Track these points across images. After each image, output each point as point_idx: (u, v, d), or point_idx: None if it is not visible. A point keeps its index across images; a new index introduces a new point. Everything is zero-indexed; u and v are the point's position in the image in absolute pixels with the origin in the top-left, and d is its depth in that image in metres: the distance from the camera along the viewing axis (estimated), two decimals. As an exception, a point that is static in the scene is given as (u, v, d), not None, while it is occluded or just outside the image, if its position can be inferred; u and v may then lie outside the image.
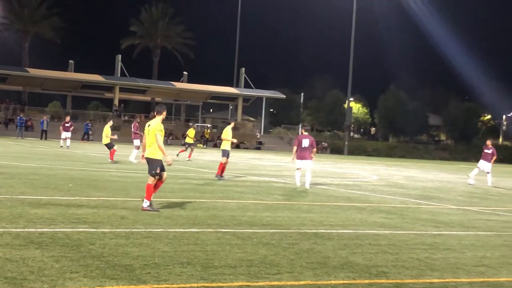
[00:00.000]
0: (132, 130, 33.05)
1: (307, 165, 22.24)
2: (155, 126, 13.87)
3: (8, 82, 76.41)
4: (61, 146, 45.28)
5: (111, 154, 29.28)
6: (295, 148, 22.35)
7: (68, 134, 46.15)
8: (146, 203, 13.42)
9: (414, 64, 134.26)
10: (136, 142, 31.44)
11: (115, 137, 31.26)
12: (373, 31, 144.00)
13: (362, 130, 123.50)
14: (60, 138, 47.26)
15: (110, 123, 30.87)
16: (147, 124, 14.20)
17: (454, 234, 13.08)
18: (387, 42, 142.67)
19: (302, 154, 22.17)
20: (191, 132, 38.03)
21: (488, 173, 31.01)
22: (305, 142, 22.12)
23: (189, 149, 37.27)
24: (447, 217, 16.04)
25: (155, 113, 14.33)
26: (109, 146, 29.58)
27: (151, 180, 13.68)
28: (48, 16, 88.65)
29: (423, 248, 10.94)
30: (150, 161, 13.88)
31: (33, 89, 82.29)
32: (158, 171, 13.71)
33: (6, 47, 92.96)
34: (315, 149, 22.61)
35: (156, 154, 13.83)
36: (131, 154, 30.95)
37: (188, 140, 37.84)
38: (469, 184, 29.92)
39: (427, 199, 20.86)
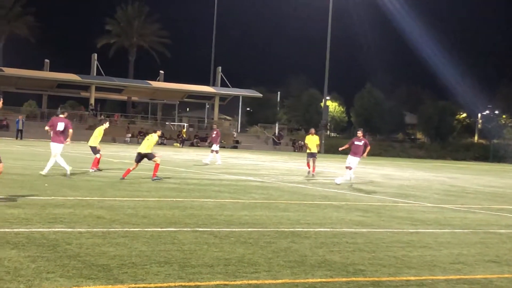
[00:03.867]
0: (213, 135, 36.66)
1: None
2: None
3: (-18, 81, 75.69)
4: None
5: (96, 162, 24.27)
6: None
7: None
8: None
9: (390, 63, 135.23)
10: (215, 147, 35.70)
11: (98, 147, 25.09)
12: (349, 30, 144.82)
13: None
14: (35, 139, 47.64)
15: (106, 125, 25.57)
16: None
17: (430, 231, 13.17)
18: (363, 41, 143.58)
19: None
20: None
21: (350, 168, 24.90)
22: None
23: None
24: (424, 215, 16.14)
25: None
26: (95, 151, 24.50)
27: None
28: (23, 14, 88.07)
29: (399, 246, 11.00)
30: None
31: (8, 88, 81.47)
32: None
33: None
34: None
35: None
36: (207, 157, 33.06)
37: None
38: (336, 183, 24.52)
39: (404, 197, 20.99)
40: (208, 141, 41.40)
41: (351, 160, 24.87)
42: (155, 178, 21.53)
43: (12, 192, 15.25)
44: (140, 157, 21.81)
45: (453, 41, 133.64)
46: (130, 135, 73.86)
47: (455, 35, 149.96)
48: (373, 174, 35.10)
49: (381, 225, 13.63)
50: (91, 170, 23.60)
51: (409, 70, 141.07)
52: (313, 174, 28.10)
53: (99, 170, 24.12)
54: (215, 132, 37.25)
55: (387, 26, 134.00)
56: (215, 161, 35.07)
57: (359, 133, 25.82)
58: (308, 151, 29.50)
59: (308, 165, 29.16)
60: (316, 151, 29.27)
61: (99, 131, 25.05)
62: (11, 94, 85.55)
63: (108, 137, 71.54)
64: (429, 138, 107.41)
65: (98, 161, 24.35)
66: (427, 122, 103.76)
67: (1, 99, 13.41)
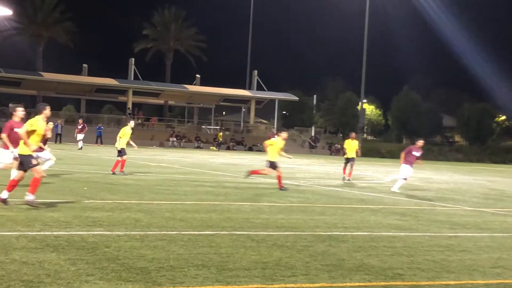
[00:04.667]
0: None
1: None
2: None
3: (22, 86, 76.76)
4: (79, 148, 48.60)
5: (122, 165, 23.85)
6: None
7: (81, 136, 50.64)
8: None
9: (427, 65, 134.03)
10: None
11: (135, 147, 26.28)
12: (386, 32, 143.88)
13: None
14: (76, 142, 50.49)
15: (131, 124, 25.05)
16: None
17: (469, 235, 13.02)
18: (400, 43, 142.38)
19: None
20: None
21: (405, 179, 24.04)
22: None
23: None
24: (462, 218, 15.97)
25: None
26: (120, 153, 23.94)
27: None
28: (62, 20, 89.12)
29: (438, 250, 10.90)
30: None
31: (47, 93, 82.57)
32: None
33: (20, 51, 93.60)
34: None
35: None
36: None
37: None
38: (393, 191, 23.09)
39: (442, 201, 20.78)
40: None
41: (408, 170, 23.43)
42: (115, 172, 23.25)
43: (52, 196, 15.45)
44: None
45: (492, 42, 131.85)
46: (174, 138, 74.39)
47: (494, 36, 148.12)
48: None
49: (419, 229, 13.52)
50: (115, 172, 23.62)
51: (447, 72, 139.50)
52: (349, 179, 27.54)
53: (122, 173, 23.55)
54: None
55: (424, 27, 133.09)
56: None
57: (420, 143, 23.84)
58: (346, 156, 28.69)
59: (344, 171, 28.26)
60: (354, 156, 28.50)
61: (122, 132, 24.38)
62: (50, 98, 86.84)
63: (156, 141, 72.44)
64: (468, 141, 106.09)
65: (122, 164, 23.86)
66: (466, 124, 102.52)
67: (48, 107, 14.04)
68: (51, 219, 11.73)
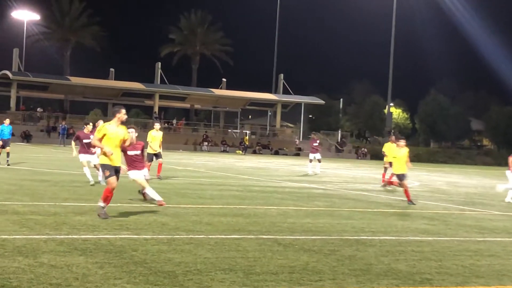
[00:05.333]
0: (314, 144, 34.09)
1: None
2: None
3: (49, 90, 77.54)
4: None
5: (159, 169, 23.87)
6: None
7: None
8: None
9: (455, 68, 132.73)
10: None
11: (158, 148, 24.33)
12: (413, 35, 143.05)
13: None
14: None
15: (156, 126, 24.45)
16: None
17: (498, 240, 12.86)
18: (428, 46, 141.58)
19: None
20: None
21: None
22: None
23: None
24: (491, 223, 15.79)
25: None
26: (147, 157, 21.94)
27: None
28: (89, 24, 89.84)
29: (467, 254, 10.78)
30: None
31: (75, 97, 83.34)
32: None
33: (47, 56, 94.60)
34: None
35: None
36: None
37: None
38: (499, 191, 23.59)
39: (471, 205, 20.58)
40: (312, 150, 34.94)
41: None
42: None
43: (80, 199, 15.55)
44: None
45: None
46: (207, 143, 74.62)
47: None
48: (439, 181, 34.55)
49: (447, 233, 13.39)
50: (157, 176, 23.22)
51: (475, 75, 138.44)
52: (384, 184, 26.23)
53: (158, 178, 23.29)
54: (318, 141, 34.91)
55: (452, 30, 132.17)
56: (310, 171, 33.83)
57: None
58: (386, 160, 27.22)
59: (383, 176, 26.89)
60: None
61: (149, 136, 23.66)
62: (78, 102, 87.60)
63: (190, 146, 72.86)
64: (496, 144, 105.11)
65: (159, 168, 23.81)
66: (494, 128, 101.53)
67: (123, 109, 13.14)
68: (79, 223, 11.80)
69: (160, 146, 23.74)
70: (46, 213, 12.94)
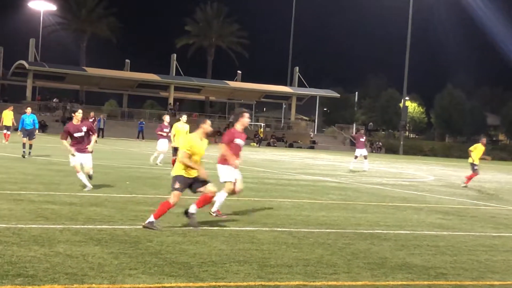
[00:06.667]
0: (361, 139, 32.41)
1: None
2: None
3: (66, 81, 77.90)
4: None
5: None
6: None
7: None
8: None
9: (472, 62, 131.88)
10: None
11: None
12: (430, 29, 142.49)
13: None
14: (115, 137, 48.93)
15: (183, 118, 24.03)
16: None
17: (514, 236, 12.80)
18: (444, 40, 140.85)
19: None
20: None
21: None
22: None
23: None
24: (507, 218, 15.72)
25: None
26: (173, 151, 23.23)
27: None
28: (105, 16, 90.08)
29: (482, 249, 10.74)
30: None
31: (91, 88, 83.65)
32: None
33: (64, 46, 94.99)
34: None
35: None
36: None
37: None
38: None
39: (486, 200, 20.49)
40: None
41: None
42: None
43: (95, 190, 15.61)
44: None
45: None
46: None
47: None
48: (453, 176, 34.40)
49: (462, 228, 13.34)
50: None
51: (491, 70, 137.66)
52: (465, 186, 25.64)
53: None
54: (364, 137, 33.55)
55: (469, 24, 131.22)
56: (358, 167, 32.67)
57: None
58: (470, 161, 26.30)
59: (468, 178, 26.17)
60: (477, 163, 26.11)
61: (175, 129, 23.48)
62: (93, 93, 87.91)
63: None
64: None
65: (173, 162, 22.60)
66: (511, 123, 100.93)
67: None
68: (94, 213, 11.86)
69: None
70: (62, 203, 13.01)
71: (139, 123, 67.19)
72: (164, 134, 26.13)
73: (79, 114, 15.90)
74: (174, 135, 23.50)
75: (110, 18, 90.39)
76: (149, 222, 10.51)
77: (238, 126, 12.66)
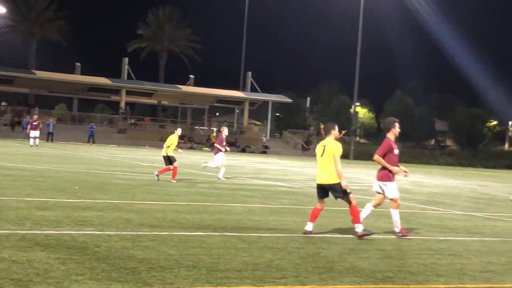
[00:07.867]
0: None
1: None
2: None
3: (15, 84, 76.57)
4: (31, 145, 47.13)
5: (174, 173, 22.38)
6: None
7: (37, 133, 48.95)
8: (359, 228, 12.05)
9: (421, 69, 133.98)
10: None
11: (182, 152, 26.12)
12: (380, 36, 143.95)
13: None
14: (65, 142, 48.46)
15: (178, 131, 23.78)
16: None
17: (459, 239, 13.05)
18: (394, 47, 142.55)
19: None
20: None
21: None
22: None
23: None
24: (453, 222, 16.00)
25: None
26: (171, 160, 22.61)
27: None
28: (55, 18, 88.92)
29: (428, 253, 10.92)
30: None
31: (40, 91, 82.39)
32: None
33: (12, 49, 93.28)
34: None
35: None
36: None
37: None
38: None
39: (433, 205, 20.82)
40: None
41: None
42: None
43: (43, 195, 15.41)
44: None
45: (485, 48, 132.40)
46: (182, 140, 74.16)
47: (488, 41, 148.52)
48: (402, 181, 34.82)
49: (410, 232, 13.52)
50: (173, 181, 21.87)
51: (440, 77, 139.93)
52: None
53: (174, 181, 21.93)
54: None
55: (418, 32, 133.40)
56: None
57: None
58: None
59: None
60: None
61: (170, 141, 22.68)
62: (43, 97, 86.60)
63: (156, 142, 72.09)
64: (460, 145, 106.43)
65: (174, 172, 22.40)
66: (458, 129, 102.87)
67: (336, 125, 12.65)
68: (42, 218, 11.70)
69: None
70: (9, 207, 12.80)
71: (89, 127, 66.39)
72: (223, 149, 25.49)
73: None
74: (168, 147, 22.60)
75: (60, 21, 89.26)
76: (363, 230, 11.63)
77: (391, 136, 12.84)
